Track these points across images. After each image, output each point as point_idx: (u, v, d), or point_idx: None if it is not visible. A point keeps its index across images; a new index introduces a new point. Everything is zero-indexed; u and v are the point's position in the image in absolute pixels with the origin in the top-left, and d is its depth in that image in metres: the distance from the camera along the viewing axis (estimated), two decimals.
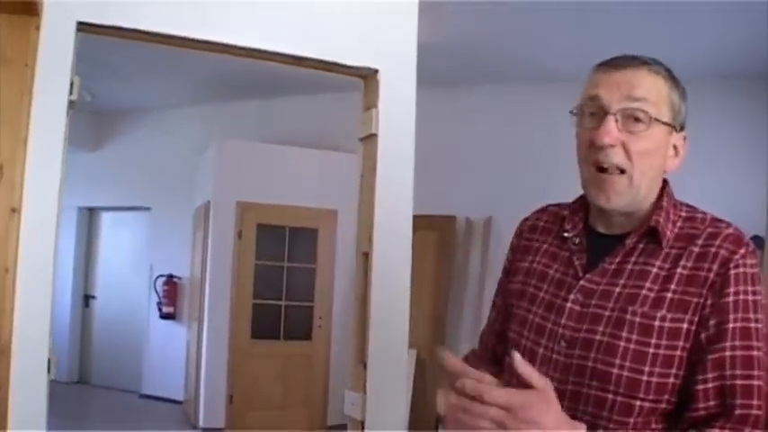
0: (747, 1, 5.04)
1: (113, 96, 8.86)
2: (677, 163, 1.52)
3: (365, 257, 3.13)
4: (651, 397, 1.36)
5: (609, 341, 1.40)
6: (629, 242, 1.47)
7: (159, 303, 9.56)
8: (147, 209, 10.07)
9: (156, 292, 9.60)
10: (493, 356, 1.75)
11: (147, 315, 9.80)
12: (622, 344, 1.38)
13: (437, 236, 7.71)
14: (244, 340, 8.11)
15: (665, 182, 1.54)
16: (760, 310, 1.39)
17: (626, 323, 1.39)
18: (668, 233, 1.46)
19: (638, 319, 1.39)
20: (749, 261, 1.39)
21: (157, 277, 9.61)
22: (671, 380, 1.36)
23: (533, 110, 7.71)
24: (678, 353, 1.36)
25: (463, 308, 7.76)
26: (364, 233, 3.15)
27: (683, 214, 1.50)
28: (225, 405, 8.01)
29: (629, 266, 1.45)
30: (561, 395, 1.35)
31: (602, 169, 1.44)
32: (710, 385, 1.34)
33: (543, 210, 1.75)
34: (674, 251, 1.44)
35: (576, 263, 1.52)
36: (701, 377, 1.35)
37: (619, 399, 1.37)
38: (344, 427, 3.25)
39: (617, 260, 1.47)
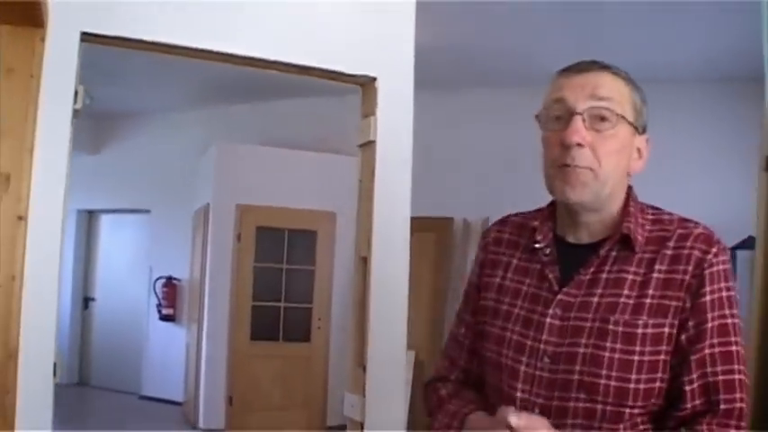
0: (740, 2, 5.08)
1: (113, 99, 8.85)
2: (641, 165, 1.53)
3: (364, 262, 3.18)
4: (640, 403, 1.38)
5: (593, 352, 1.39)
6: (603, 251, 1.47)
7: (159, 305, 9.58)
8: (147, 211, 10.08)
9: (156, 294, 9.61)
10: (466, 377, 1.68)
11: (147, 317, 9.82)
12: (607, 354, 1.38)
13: (435, 237, 7.74)
14: (243, 342, 8.14)
15: (629, 187, 1.55)
16: (735, 306, 1.43)
17: (609, 333, 1.40)
18: (640, 238, 1.47)
19: (620, 328, 1.39)
20: (721, 258, 1.42)
21: (157, 279, 9.62)
22: (657, 384, 1.39)
23: (530, 112, 7.70)
24: (662, 357, 1.39)
25: None
26: (363, 238, 3.20)
27: (651, 217, 1.52)
28: (224, 406, 8.03)
29: (605, 275, 1.46)
30: (547, 411, 1.39)
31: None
32: (696, 384, 1.38)
33: (505, 221, 1.72)
34: (646, 255, 1.45)
35: (550, 276, 1.50)
36: (686, 378, 1.38)
37: (608, 408, 1.38)
38: (344, 427, 3.30)
39: (591, 270, 1.47)
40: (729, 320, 1.41)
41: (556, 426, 1.34)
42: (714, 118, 6.99)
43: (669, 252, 1.44)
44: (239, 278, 8.21)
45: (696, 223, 1.49)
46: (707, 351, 1.39)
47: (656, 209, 1.55)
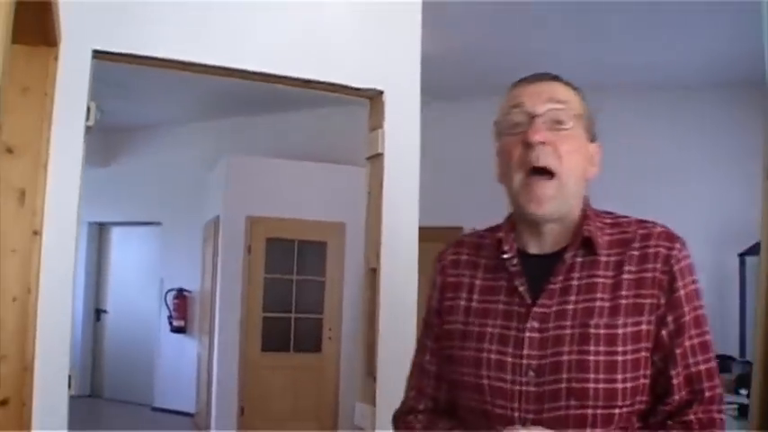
0: (741, 6, 5.11)
1: (123, 113, 8.90)
2: (595, 171, 1.57)
3: (373, 273, 3.22)
4: (628, 402, 1.41)
5: (579, 358, 1.41)
6: (568, 257, 1.49)
7: (170, 317, 9.62)
8: (158, 224, 10.14)
9: (167, 305, 9.66)
10: (435, 405, 1.65)
11: (158, 329, 9.87)
12: (592, 357, 1.40)
13: (444, 247, 7.75)
14: (254, 353, 8.15)
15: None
16: (702, 297, 1.49)
17: (591, 337, 1.42)
18: (601, 241, 1.50)
19: (602, 331, 1.42)
20: (685, 253, 1.48)
21: (168, 291, 9.68)
22: (641, 381, 1.42)
23: None
24: (643, 354, 1.42)
25: None
26: (372, 249, 3.23)
27: (609, 221, 1.56)
28: (236, 417, 8.03)
29: (575, 282, 1.48)
30: (539, 425, 1.41)
31: (534, 170, 1.47)
32: (681, 376, 1.43)
33: (460, 242, 1.71)
34: (612, 258, 1.49)
35: (521, 289, 1.50)
36: (673, 371, 1.43)
37: (599, 411, 1.40)
38: None
39: (560, 278, 1.48)
40: (701, 312, 1.48)
41: None
42: (721, 122, 7.02)
43: (636, 253, 1.48)
44: (250, 289, 8.22)
45: (654, 223, 1.54)
46: (687, 343, 1.44)
47: (610, 213, 1.59)
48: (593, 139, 1.57)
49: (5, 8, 1.58)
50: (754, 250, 5.60)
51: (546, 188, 1.46)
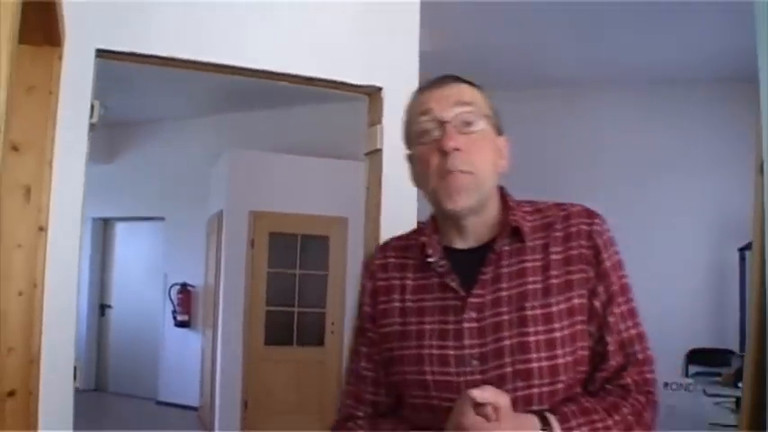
0: (739, 2, 5.15)
1: (127, 108, 8.95)
2: (505, 164, 1.60)
3: None
4: (570, 374, 1.46)
5: (519, 341, 1.45)
6: (498, 248, 1.52)
7: (174, 311, 9.66)
8: (161, 219, 10.18)
9: (171, 300, 9.70)
10: (375, 410, 1.65)
11: (162, 323, 9.91)
12: (532, 338, 1.45)
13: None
14: (257, 347, 8.19)
15: (500, 186, 1.61)
16: (624, 266, 1.55)
17: (529, 319, 1.46)
18: (526, 229, 1.54)
19: (538, 312, 1.47)
20: (605, 227, 1.54)
21: (172, 286, 9.71)
22: (579, 352, 1.48)
23: (539, 115, 7.81)
24: (578, 327, 1.48)
25: None
26: (371, 244, 3.28)
27: (528, 209, 1.59)
28: (240, 410, 8.08)
29: (505, 270, 1.51)
30: None
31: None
32: (615, 342, 1.50)
33: (385, 247, 1.72)
34: (538, 242, 1.54)
35: (453, 284, 1.52)
36: (608, 338, 1.49)
37: (544, 389, 1.45)
38: None
39: (491, 268, 1.51)
40: (626, 280, 1.54)
41: None
42: (721, 117, 7.04)
43: (559, 234, 1.54)
44: (253, 284, 8.25)
45: (571, 203, 1.59)
46: (617, 310, 1.50)
47: (528, 201, 1.63)
48: (500, 132, 1.60)
49: (11, 9, 1.63)
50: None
51: (461, 181, 1.49)
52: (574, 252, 1.51)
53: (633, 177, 7.47)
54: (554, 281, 1.49)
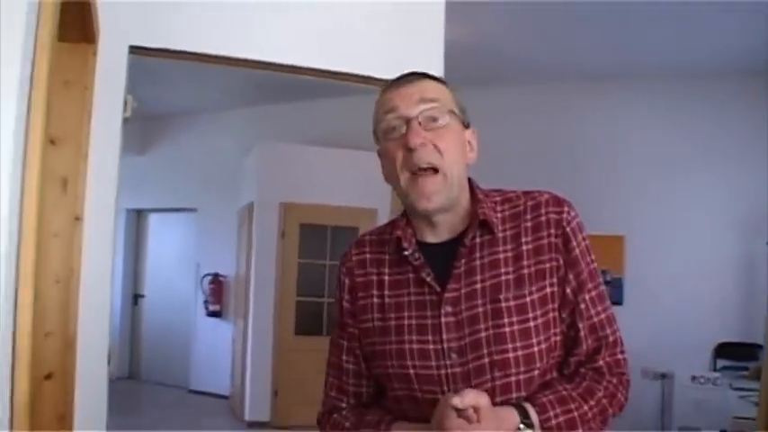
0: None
1: (159, 102, 9.06)
2: (474, 156, 1.63)
3: None
4: (545, 361, 1.51)
5: (495, 332, 1.49)
6: (467, 240, 1.55)
7: (206, 301, 9.75)
8: (194, 210, 10.26)
9: (203, 290, 9.79)
10: (358, 402, 1.71)
11: (194, 313, 10.00)
12: (507, 329, 1.49)
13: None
14: (287, 336, 8.28)
15: (469, 178, 1.63)
16: (592, 251, 1.59)
17: (503, 310, 1.50)
18: (495, 220, 1.56)
19: (512, 303, 1.50)
20: (573, 214, 1.57)
21: (204, 276, 9.80)
22: (553, 339, 1.52)
23: (564, 108, 7.81)
24: (552, 314, 1.52)
25: None
26: None
27: (498, 198, 1.62)
28: (270, 399, 8.20)
29: (478, 262, 1.54)
30: None
31: (420, 169, 1.51)
32: (586, 327, 1.54)
33: (362, 242, 1.74)
34: (509, 233, 1.56)
35: (428, 279, 1.55)
36: (580, 324, 1.54)
37: (522, 377, 1.49)
38: None
39: (464, 261, 1.54)
40: (594, 266, 1.58)
41: None
42: (749, 111, 7.03)
43: (529, 224, 1.56)
44: (283, 274, 8.35)
45: (539, 192, 1.61)
46: (587, 296, 1.54)
47: (498, 190, 1.66)
48: (467, 125, 1.63)
49: (51, 9, 1.72)
50: None
51: (432, 184, 1.52)
52: (544, 241, 1.55)
53: (659, 171, 7.44)
54: (526, 271, 1.53)
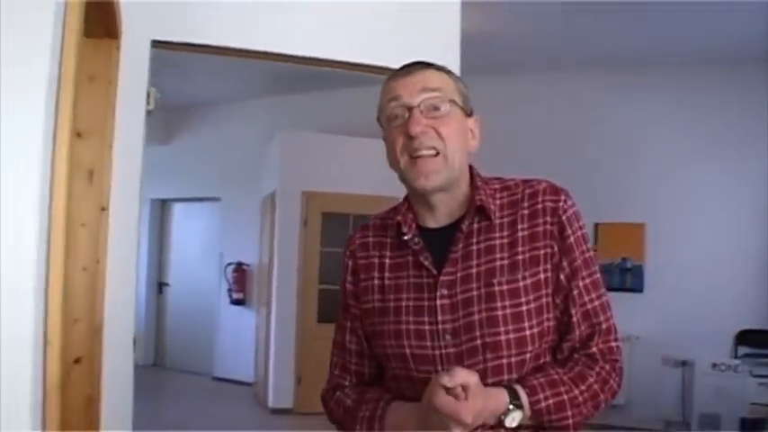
0: None
1: (182, 92, 9.15)
2: (476, 144, 1.68)
3: None
4: (537, 344, 1.56)
5: (488, 315, 1.54)
6: (465, 227, 1.60)
7: (229, 290, 9.85)
8: (217, 199, 10.34)
9: (227, 278, 9.89)
10: (359, 380, 1.77)
11: (218, 301, 10.11)
12: (500, 312, 1.53)
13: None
14: (310, 324, 8.32)
15: (470, 166, 1.68)
16: (588, 240, 1.64)
17: (496, 294, 1.55)
18: (493, 207, 1.61)
19: (505, 287, 1.55)
20: (570, 203, 1.62)
21: (227, 265, 9.89)
22: (546, 323, 1.57)
23: (585, 96, 7.81)
24: (545, 300, 1.57)
25: None
26: None
27: (497, 186, 1.67)
28: (293, 386, 8.27)
29: (474, 247, 1.60)
30: None
31: (420, 156, 1.57)
32: (579, 313, 1.59)
33: (366, 226, 1.81)
34: (506, 219, 1.61)
35: (426, 263, 1.61)
36: (573, 310, 1.59)
37: (513, 359, 1.54)
38: None
39: (461, 246, 1.60)
40: (589, 254, 1.62)
41: None
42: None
43: (526, 211, 1.61)
44: (306, 262, 8.40)
45: (538, 180, 1.66)
46: (581, 283, 1.59)
47: (498, 178, 1.71)
48: (470, 114, 1.67)
49: (77, 7, 1.79)
50: None
51: (432, 164, 1.57)
52: (540, 228, 1.59)
53: (680, 159, 7.43)
54: (521, 256, 1.58)
